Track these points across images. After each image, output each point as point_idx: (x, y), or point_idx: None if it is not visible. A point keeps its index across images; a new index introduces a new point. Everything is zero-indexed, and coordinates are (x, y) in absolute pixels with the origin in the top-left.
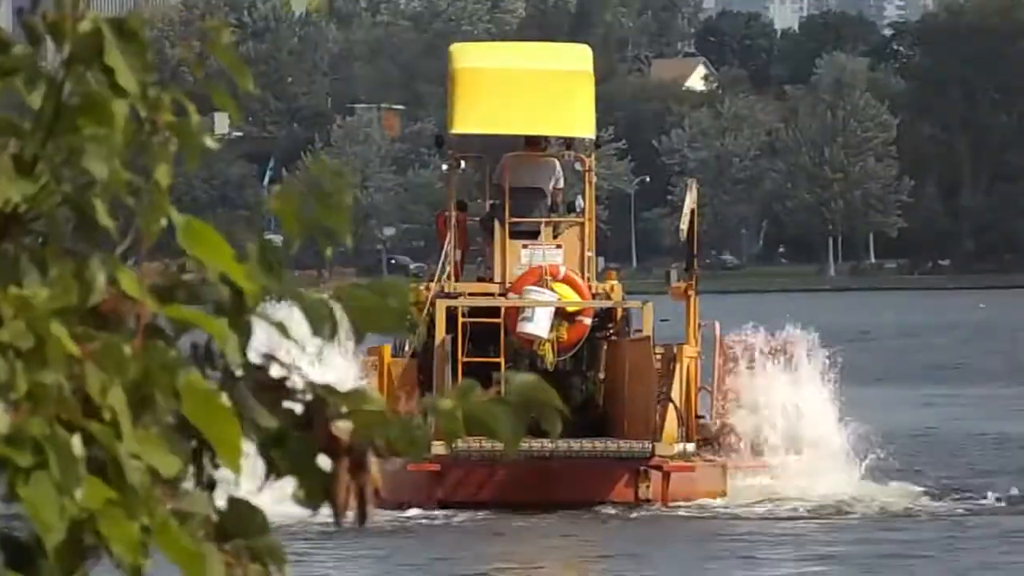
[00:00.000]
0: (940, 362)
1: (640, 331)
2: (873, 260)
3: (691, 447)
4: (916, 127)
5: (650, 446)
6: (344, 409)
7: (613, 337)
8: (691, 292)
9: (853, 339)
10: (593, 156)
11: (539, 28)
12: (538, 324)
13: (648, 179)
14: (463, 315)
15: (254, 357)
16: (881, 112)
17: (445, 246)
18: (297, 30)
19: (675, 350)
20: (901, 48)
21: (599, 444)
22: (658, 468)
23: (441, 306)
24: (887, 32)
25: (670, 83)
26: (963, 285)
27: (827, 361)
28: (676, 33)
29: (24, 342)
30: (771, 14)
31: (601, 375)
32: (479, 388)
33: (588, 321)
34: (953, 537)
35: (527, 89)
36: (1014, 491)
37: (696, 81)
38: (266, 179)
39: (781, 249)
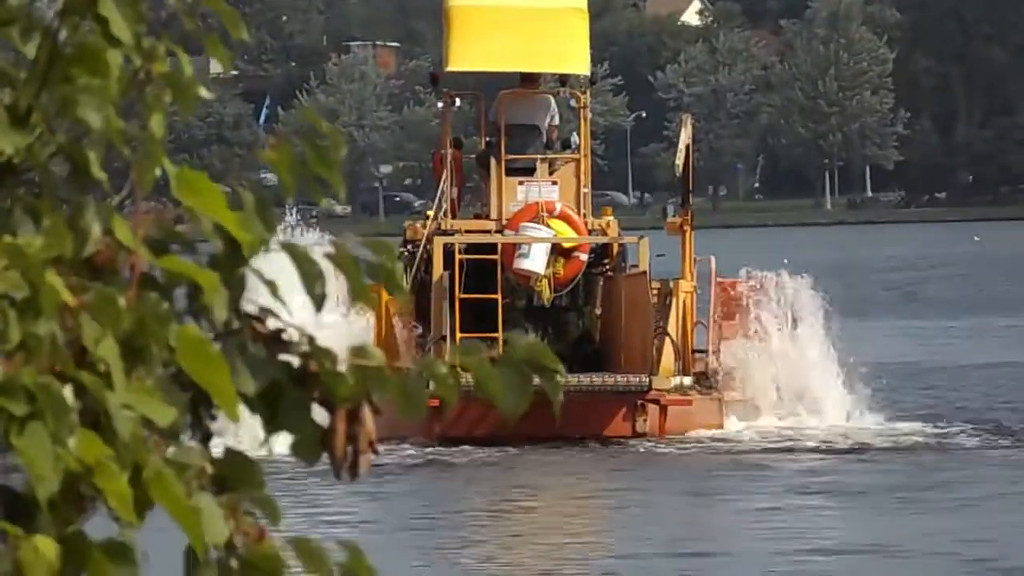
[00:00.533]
0: (929, 295)
1: (636, 266)
2: (869, 193)
3: (687, 381)
4: (912, 60)
5: (647, 380)
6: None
7: (609, 273)
8: (687, 227)
9: (844, 275)
10: (588, 93)
11: None
12: (534, 260)
13: (644, 114)
14: (460, 252)
15: (251, 309)
16: (877, 45)
17: (441, 184)
18: None
19: (671, 285)
20: None
21: (596, 378)
22: (655, 402)
23: (439, 243)
24: None
25: (665, 18)
26: (959, 218)
27: (818, 301)
28: None
29: (18, 291)
30: None
31: (598, 310)
32: (482, 349)
33: (584, 257)
34: (952, 468)
35: (521, 26)
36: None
37: (691, 16)
38: (262, 118)
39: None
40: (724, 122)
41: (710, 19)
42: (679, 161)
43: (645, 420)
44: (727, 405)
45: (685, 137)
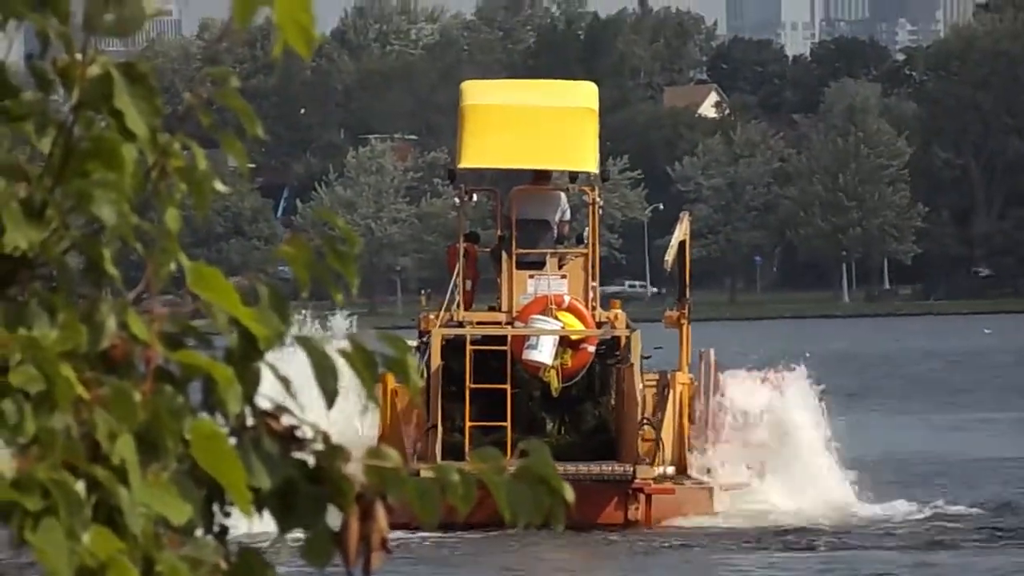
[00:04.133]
0: (933, 385)
1: (646, 357)
2: (887, 286)
3: (671, 470)
4: (929, 152)
5: (631, 469)
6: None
7: (619, 364)
8: (684, 320)
9: (847, 365)
10: (596, 190)
11: (550, 57)
12: (543, 351)
13: (662, 207)
14: (472, 343)
15: (266, 405)
16: (894, 139)
17: (454, 277)
18: (309, 61)
19: (669, 377)
20: (914, 73)
21: (583, 468)
22: (639, 491)
23: (437, 335)
24: (899, 57)
25: (682, 110)
26: (976, 311)
27: (816, 392)
28: (688, 60)
29: (34, 386)
30: (783, 40)
31: (613, 401)
32: (498, 456)
33: (592, 348)
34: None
35: (532, 125)
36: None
37: (708, 108)
38: (280, 211)
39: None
40: (742, 214)
41: (726, 111)
42: (669, 257)
43: (637, 508)
44: (717, 493)
45: (680, 233)
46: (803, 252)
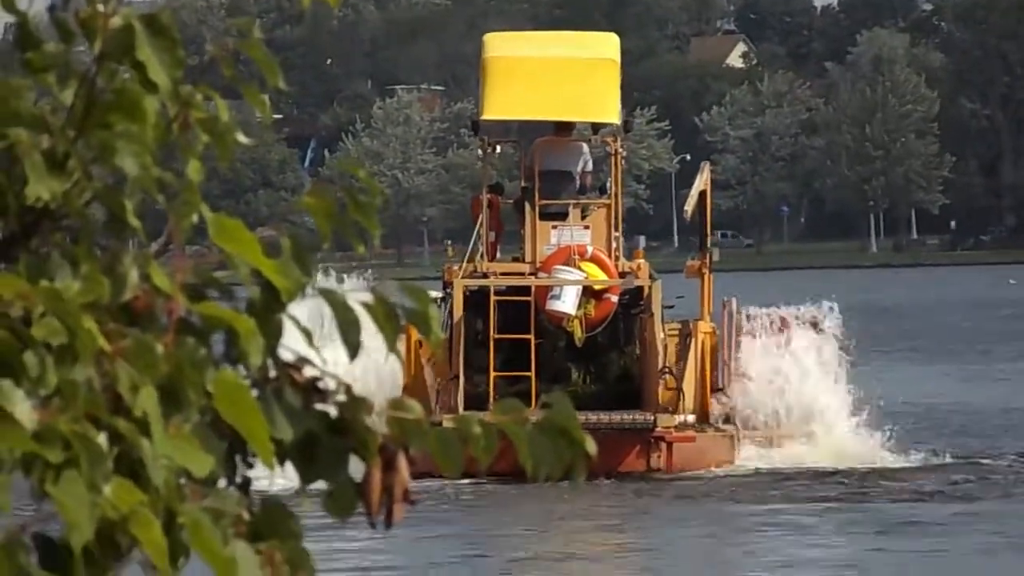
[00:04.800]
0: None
1: (671, 306)
2: (915, 236)
3: (691, 418)
4: (956, 103)
5: (652, 418)
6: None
7: (642, 314)
8: (705, 270)
9: (874, 314)
10: (620, 140)
11: (576, 7)
12: (566, 302)
13: (688, 157)
14: (495, 294)
15: (288, 356)
16: (921, 87)
17: (477, 227)
18: (336, 12)
19: (691, 326)
20: (941, 24)
21: (604, 416)
22: (660, 439)
23: (459, 286)
24: (927, 7)
25: (709, 61)
26: (1005, 260)
27: (839, 333)
28: (715, 11)
29: (56, 338)
30: None
31: (637, 350)
32: (520, 408)
33: (615, 298)
34: (963, 512)
35: (554, 77)
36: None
37: (735, 59)
38: (307, 161)
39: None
40: (769, 165)
41: (754, 62)
42: (688, 207)
43: (659, 456)
44: (740, 441)
45: (700, 183)
46: (830, 202)
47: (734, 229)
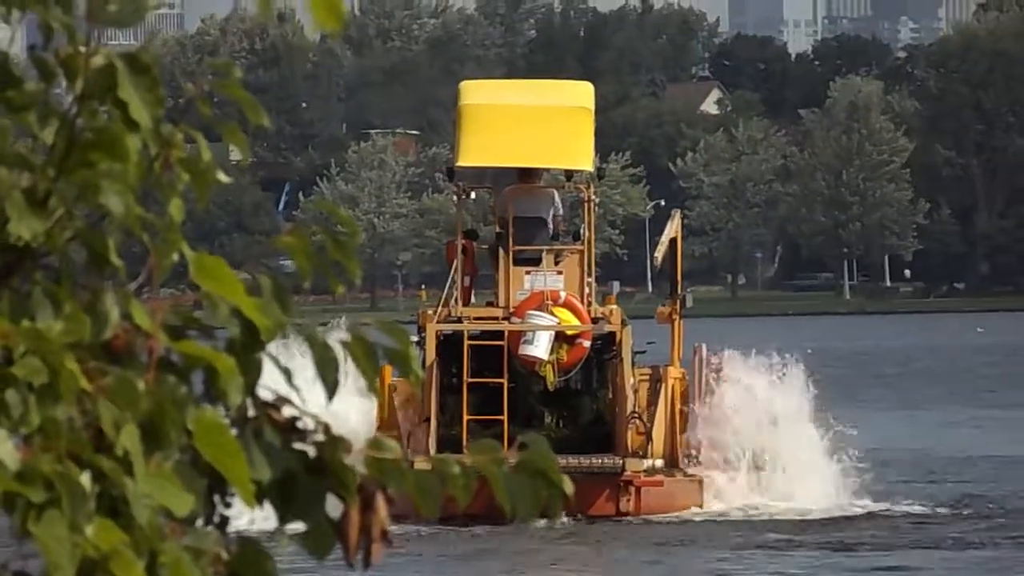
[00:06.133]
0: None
1: (641, 351)
2: (888, 283)
3: (659, 463)
4: (931, 150)
5: (621, 462)
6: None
7: (614, 359)
8: (675, 316)
9: (845, 361)
10: (592, 187)
11: (551, 52)
12: (539, 346)
13: (663, 203)
14: (469, 338)
15: (267, 396)
16: (896, 136)
17: (452, 272)
18: (311, 56)
19: (661, 371)
20: (915, 71)
21: (573, 460)
22: (630, 483)
23: (431, 331)
24: (901, 55)
25: (684, 107)
26: (978, 308)
27: (806, 380)
28: (690, 57)
29: (38, 378)
30: (785, 37)
31: (610, 395)
32: (496, 448)
33: (587, 343)
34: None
35: (529, 125)
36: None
37: (710, 105)
38: (281, 205)
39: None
40: (743, 211)
41: (728, 108)
42: (659, 254)
43: (629, 500)
44: (706, 485)
45: (670, 231)
46: (805, 248)
47: (708, 275)
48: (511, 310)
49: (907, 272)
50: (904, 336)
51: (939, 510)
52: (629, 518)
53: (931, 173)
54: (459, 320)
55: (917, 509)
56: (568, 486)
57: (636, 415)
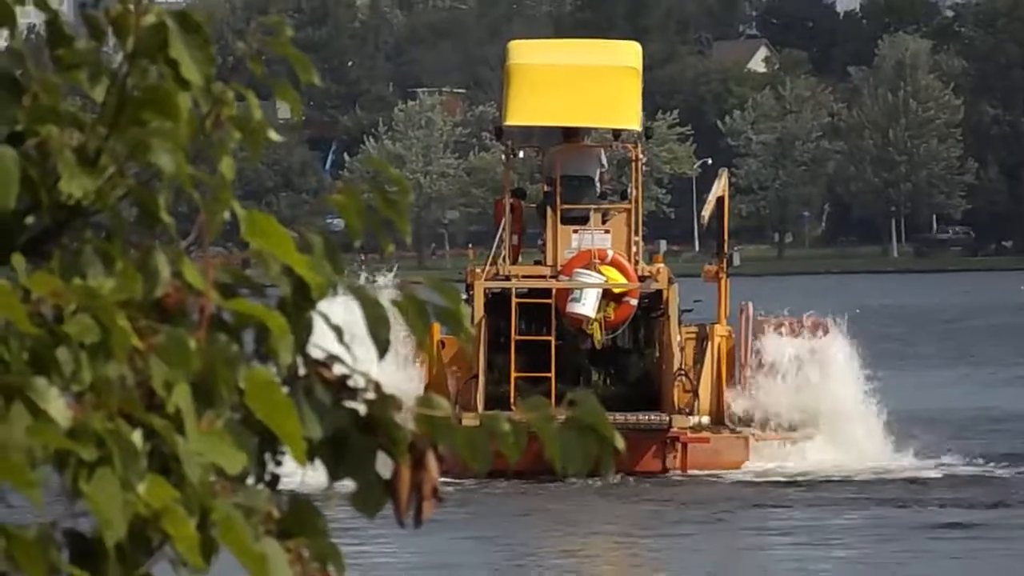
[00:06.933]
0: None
1: (688, 310)
2: (937, 239)
3: (705, 420)
4: (979, 108)
5: (667, 419)
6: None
7: (660, 317)
8: (722, 275)
9: (893, 320)
10: (640, 147)
11: (598, 10)
12: (586, 305)
13: (710, 161)
14: (517, 296)
15: (318, 354)
16: (944, 93)
17: (500, 231)
18: (359, 14)
19: (708, 329)
20: (963, 29)
21: (620, 417)
22: (676, 440)
23: (479, 288)
24: (949, 13)
25: (731, 66)
26: None
27: (850, 342)
28: (738, 15)
29: (90, 336)
30: None
31: (657, 353)
32: (547, 404)
33: (634, 302)
34: (984, 520)
35: (576, 84)
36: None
37: (758, 63)
38: (328, 164)
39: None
40: (791, 169)
41: (776, 66)
42: (706, 212)
43: (675, 457)
44: (753, 443)
45: (717, 189)
46: (853, 207)
47: (755, 233)
48: (559, 268)
49: (954, 230)
50: (951, 295)
51: (992, 466)
52: (676, 475)
53: (979, 132)
54: (507, 278)
55: (967, 466)
56: (619, 441)
57: (683, 372)
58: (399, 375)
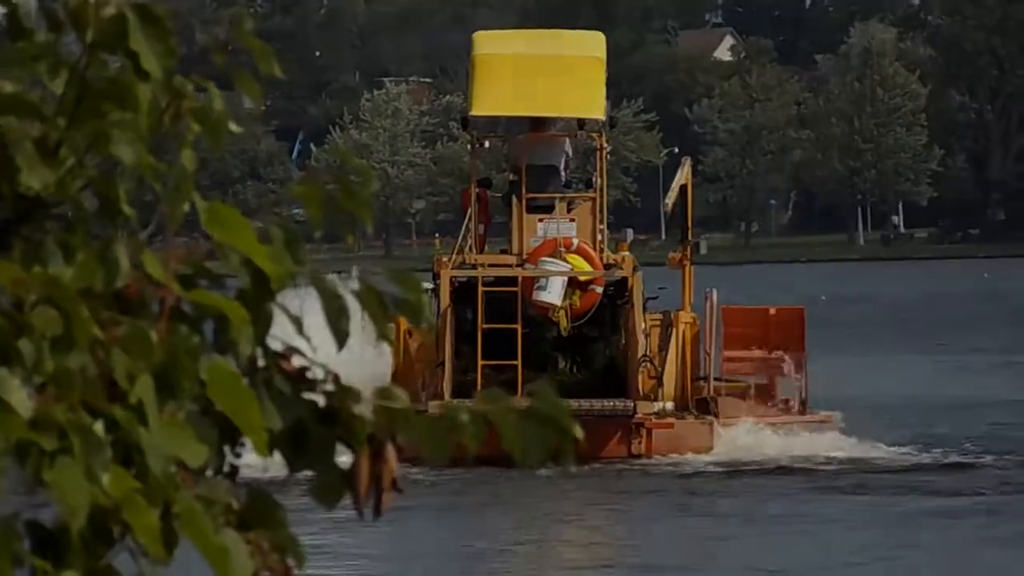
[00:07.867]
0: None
1: (653, 297)
2: (903, 230)
3: (669, 406)
4: (945, 96)
5: (632, 405)
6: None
7: (626, 305)
8: (686, 262)
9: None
10: (605, 136)
11: None
12: (552, 292)
13: (676, 150)
14: (483, 285)
15: (277, 345)
16: (910, 81)
17: (466, 220)
18: (324, 3)
19: (672, 316)
20: (930, 18)
21: (585, 403)
22: (641, 425)
23: (446, 277)
24: (915, 2)
25: (697, 55)
26: (992, 254)
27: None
28: (704, 4)
29: (52, 326)
30: None
31: (622, 340)
32: (505, 397)
33: (599, 289)
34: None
35: (541, 74)
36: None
37: (724, 52)
38: (295, 154)
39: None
40: (757, 158)
41: (742, 55)
42: (669, 200)
43: (640, 442)
44: (718, 428)
45: (681, 177)
46: (819, 195)
47: (722, 222)
48: (524, 257)
49: (919, 219)
50: (913, 284)
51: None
52: (640, 461)
53: (945, 119)
54: (473, 267)
55: (929, 453)
56: (578, 431)
57: (647, 359)
58: (379, 364)
